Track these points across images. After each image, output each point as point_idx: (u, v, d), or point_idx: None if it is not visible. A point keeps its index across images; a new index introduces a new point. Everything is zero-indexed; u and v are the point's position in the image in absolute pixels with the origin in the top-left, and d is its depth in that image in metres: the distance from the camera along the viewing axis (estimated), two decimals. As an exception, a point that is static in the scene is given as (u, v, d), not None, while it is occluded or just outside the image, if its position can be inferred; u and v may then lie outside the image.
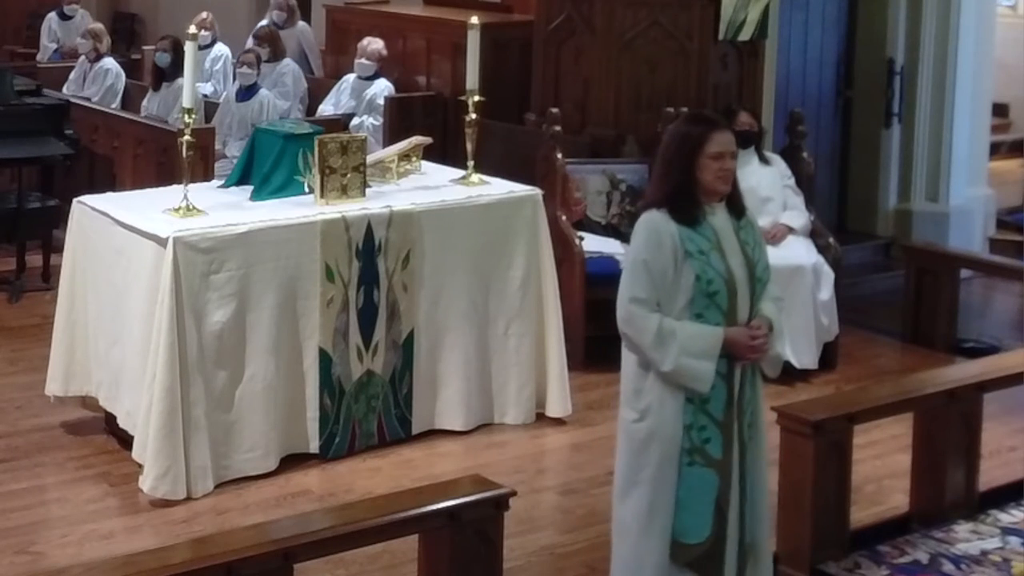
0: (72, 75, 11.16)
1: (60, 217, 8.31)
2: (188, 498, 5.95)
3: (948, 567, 5.40)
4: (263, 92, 9.92)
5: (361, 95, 9.99)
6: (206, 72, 11.20)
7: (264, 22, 11.40)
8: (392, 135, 9.22)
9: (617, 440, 4.60)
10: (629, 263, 4.50)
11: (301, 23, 11.47)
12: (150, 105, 10.26)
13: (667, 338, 4.37)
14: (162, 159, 9.06)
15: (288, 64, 10.74)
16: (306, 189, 6.63)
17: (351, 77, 10.16)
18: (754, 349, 4.42)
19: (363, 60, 10.03)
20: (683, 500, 4.43)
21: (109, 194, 7.25)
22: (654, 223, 4.44)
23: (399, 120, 9.69)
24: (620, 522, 4.58)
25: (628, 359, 4.53)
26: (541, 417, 6.90)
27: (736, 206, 4.54)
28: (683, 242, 4.40)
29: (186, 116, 6.33)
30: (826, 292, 7.65)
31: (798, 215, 7.83)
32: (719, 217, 4.49)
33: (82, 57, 11.20)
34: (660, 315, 4.39)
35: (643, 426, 4.45)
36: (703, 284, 4.38)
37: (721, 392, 4.42)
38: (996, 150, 11.78)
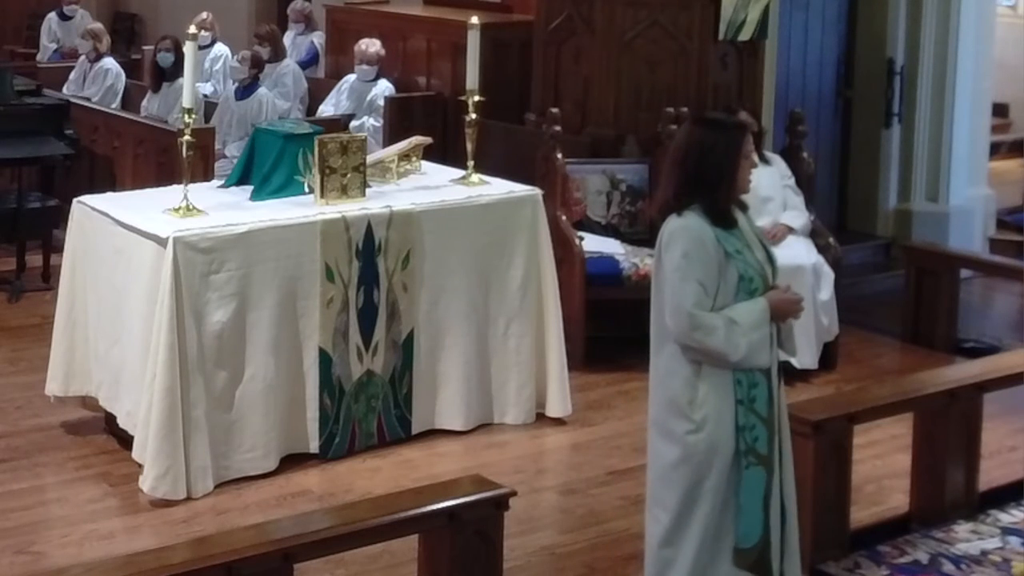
0: (72, 75, 11.16)
1: (60, 217, 8.31)
2: (188, 498, 5.95)
3: (948, 567, 5.40)
4: (262, 91, 9.92)
5: (362, 96, 9.98)
6: (206, 72, 11.21)
7: (289, 33, 11.56)
8: (392, 135, 9.21)
9: (655, 458, 4.52)
10: (674, 271, 4.40)
11: (318, 32, 11.50)
12: (150, 105, 10.26)
13: (733, 328, 4.35)
14: (162, 159, 9.06)
15: (288, 64, 10.75)
16: (306, 189, 6.63)
17: (351, 78, 10.14)
18: (794, 303, 4.49)
19: (363, 65, 10.01)
20: (742, 504, 4.40)
21: (109, 194, 7.25)
22: (692, 228, 4.40)
23: (399, 120, 9.68)
24: (679, 538, 4.45)
25: (675, 373, 4.43)
26: (541, 417, 6.89)
27: (741, 202, 4.58)
28: (722, 244, 4.41)
29: (186, 116, 6.33)
30: (826, 292, 7.65)
31: (798, 215, 7.83)
32: (739, 216, 4.53)
33: (82, 57, 11.20)
34: (715, 312, 4.39)
35: (702, 437, 4.40)
36: (746, 283, 4.42)
37: (764, 389, 4.42)
38: (996, 150, 11.77)
